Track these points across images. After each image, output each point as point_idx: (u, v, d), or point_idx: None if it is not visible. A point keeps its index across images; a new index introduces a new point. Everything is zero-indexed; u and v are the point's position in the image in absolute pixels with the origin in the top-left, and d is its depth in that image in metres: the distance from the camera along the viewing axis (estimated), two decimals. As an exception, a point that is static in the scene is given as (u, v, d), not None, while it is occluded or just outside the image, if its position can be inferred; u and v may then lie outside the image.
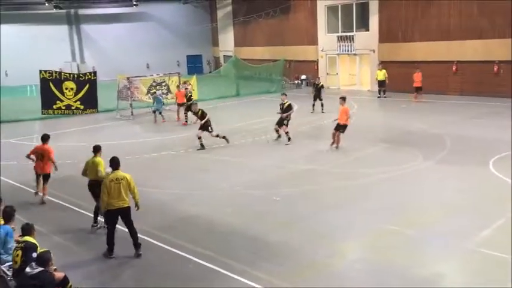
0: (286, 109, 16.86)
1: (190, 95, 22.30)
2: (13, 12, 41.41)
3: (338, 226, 9.49)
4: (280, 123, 16.84)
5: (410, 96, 25.17)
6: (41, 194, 11.82)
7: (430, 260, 7.96)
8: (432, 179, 12.28)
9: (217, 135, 16.68)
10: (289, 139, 16.54)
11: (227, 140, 16.68)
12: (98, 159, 9.98)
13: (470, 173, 12.35)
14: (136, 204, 8.82)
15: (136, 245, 8.71)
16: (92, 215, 10.13)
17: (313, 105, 22.85)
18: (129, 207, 8.69)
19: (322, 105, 22.67)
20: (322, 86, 23.10)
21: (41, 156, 11.70)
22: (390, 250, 8.38)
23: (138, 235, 8.75)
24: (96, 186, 9.49)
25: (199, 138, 16.57)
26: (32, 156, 11.77)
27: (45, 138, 11.93)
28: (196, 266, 8.15)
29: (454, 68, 25.02)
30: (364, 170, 13.08)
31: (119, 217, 8.70)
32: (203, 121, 16.61)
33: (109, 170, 8.93)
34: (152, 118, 22.56)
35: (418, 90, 24.48)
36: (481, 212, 9.77)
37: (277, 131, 17.11)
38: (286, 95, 17.70)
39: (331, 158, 14.49)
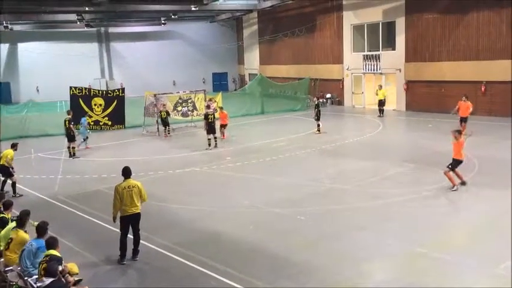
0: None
1: None
2: (46, 31, 42.74)
3: (363, 247, 9.34)
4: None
5: (434, 116, 24.81)
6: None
7: (458, 283, 7.74)
8: (459, 201, 12.01)
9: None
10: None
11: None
12: (11, 151, 14.21)
13: (498, 195, 12.02)
14: None
15: (136, 251, 9.16)
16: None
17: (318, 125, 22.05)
18: (139, 214, 9.11)
19: (318, 125, 21.95)
20: (317, 106, 22.04)
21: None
22: (417, 272, 8.18)
23: (160, 250, 8.83)
24: (2, 169, 13.91)
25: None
26: None
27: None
28: (218, 283, 8.12)
29: (482, 89, 24.60)
30: (390, 191, 12.89)
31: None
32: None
33: None
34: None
35: (464, 121, 20.18)
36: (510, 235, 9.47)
37: (209, 139, 19.79)
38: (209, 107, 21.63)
39: (356, 178, 14.33)
